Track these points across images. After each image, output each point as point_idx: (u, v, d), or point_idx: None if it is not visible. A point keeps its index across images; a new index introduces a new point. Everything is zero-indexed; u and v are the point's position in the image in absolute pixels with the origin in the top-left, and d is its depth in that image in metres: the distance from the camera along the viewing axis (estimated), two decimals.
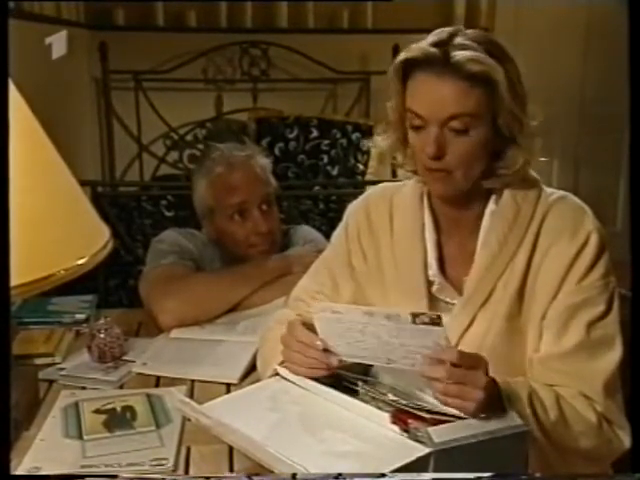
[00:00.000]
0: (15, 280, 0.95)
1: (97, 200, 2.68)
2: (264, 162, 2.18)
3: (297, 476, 1.07)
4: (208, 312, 1.98)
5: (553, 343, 1.33)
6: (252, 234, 2.10)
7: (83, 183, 2.52)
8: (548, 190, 1.43)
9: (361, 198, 1.59)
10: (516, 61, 1.34)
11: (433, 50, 1.29)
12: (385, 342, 1.23)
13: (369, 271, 1.51)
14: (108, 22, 4.27)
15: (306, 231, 2.35)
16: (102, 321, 1.76)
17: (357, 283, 1.52)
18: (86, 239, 1.12)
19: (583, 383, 1.31)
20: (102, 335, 1.71)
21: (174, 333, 1.92)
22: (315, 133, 4.14)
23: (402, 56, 1.33)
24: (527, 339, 1.37)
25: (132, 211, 2.57)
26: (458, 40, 1.30)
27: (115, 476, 1.32)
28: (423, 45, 1.31)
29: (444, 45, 1.30)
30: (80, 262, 1.06)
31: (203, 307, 1.97)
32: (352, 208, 1.59)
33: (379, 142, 1.47)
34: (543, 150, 4.25)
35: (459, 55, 1.27)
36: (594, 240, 1.35)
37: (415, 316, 1.18)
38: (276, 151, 4.06)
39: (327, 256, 1.60)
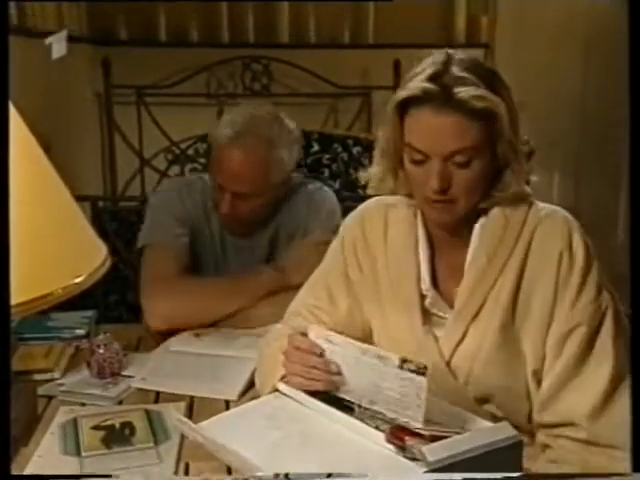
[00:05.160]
0: (13, 299, 0.94)
1: (98, 215, 2.68)
2: (281, 153, 2.02)
3: (289, 476, 1.08)
4: (199, 321, 1.96)
5: (549, 370, 1.35)
6: (220, 205, 2.04)
7: (83, 198, 2.54)
8: (539, 205, 1.43)
9: (357, 211, 1.59)
10: (510, 87, 1.36)
11: (432, 87, 1.29)
12: (372, 382, 1.23)
13: (365, 284, 1.51)
14: (111, 37, 4.31)
15: (326, 199, 2.19)
16: (101, 337, 1.75)
17: (354, 296, 1.52)
18: (83, 257, 1.11)
19: (569, 409, 1.32)
20: (101, 351, 1.70)
21: (173, 346, 1.91)
22: (316, 147, 4.15)
23: (401, 94, 1.33)
24: (523, 350, 1.37)
25: (132, 225, 2.57)
26: (455, 71, 1.30)
27: (110, 475, 1.34)
28: (421, 82, 1.30)
29: (441, 78, 1.29)
30: (77, 280, 1.05)
31: (193, 316, 1.95)
32: (348, 221, 1.60)
33: (370, 169, 1.48)
34: (544, 163, 4.25)
35: (463, 92, 1.27)
36: (581, 256, 1.36)
37: (403, 361, 1.18)
38: None
39: (324, 269, 1.60)
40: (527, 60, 4.66)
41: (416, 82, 1.31)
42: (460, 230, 1.43)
